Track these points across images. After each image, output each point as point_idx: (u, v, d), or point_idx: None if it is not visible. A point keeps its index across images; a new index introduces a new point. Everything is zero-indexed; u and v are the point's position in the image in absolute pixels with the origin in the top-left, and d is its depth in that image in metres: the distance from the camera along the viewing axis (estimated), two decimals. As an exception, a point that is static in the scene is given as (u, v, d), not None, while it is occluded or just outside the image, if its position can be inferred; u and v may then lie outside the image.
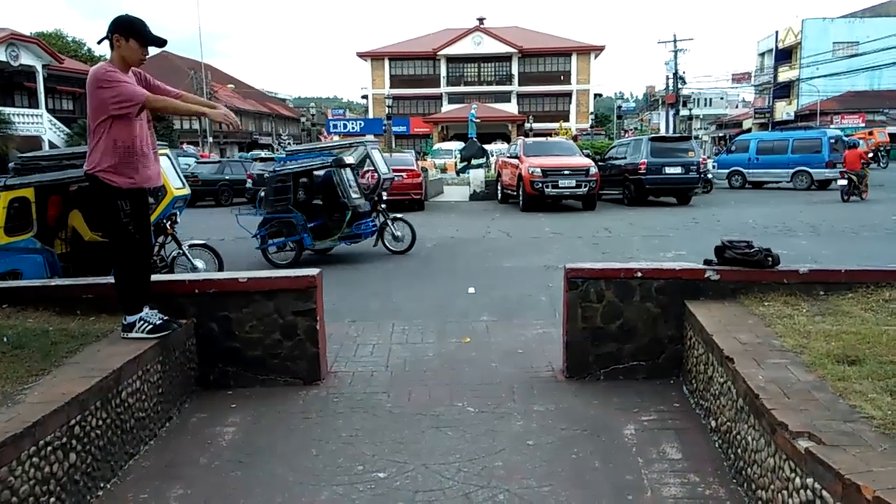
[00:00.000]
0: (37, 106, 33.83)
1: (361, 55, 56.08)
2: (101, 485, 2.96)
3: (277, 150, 45.21)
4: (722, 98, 75.81)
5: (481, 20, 55.62)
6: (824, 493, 2.07)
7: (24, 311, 3.98)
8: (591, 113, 54.31)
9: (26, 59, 32.37)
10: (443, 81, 55.06)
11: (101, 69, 3.51)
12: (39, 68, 33.30)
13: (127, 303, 3.67)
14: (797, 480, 2.25)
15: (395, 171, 17.85)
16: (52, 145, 30.99)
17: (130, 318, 3.63)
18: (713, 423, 3.38)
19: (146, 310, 3.69)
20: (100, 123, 3.52)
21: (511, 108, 52.45)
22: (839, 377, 2.74)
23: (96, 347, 3.45)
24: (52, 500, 2.57)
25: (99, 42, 3.60)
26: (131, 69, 3.61)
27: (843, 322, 3.48)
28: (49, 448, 2.57)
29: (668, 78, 47.21)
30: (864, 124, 46.77)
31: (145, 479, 3.08)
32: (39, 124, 33.05)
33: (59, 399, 2.70)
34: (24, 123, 31.85)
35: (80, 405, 2.80)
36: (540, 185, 15.96)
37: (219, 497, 2.93)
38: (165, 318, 3.75)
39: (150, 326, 3.63)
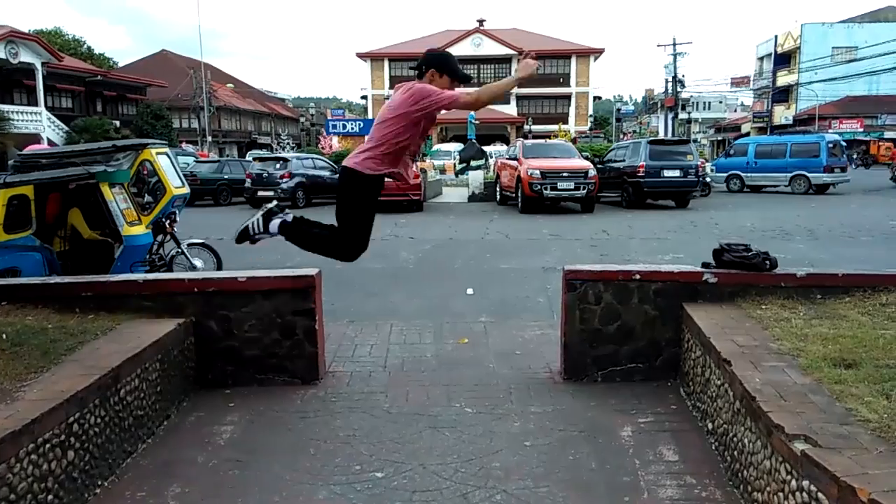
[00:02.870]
0: (36, 103, 33.80)
1: (361, 56, 56.05)
2: (99, 483, 2.96)
3: (276, 149, 45.19)
4: (721, 102, 75.90)
5: (481, 22, 55.61)
6: (820, 495, 2.08)
7: (23, 308, 3.98)
8: (590, 115, 54.35)
9: (25, 56, 32.34)
10: (442, 83, 54.98)
11: (422, 85, 3.51)
12: (39, 66, 33.28)
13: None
14: (793, 483, 2.26)
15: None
16: (50, 143, 30.97)
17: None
18: (710, 426, 3.40)
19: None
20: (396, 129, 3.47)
21: (510, 109, 52.38)
22: (836, 380, 2.76)
23: (95, 345, 3.46)
24: (50, 497, 2.58)
25: (413, 69, 3.67)
26: None
27: (839, 326, 3.50)
28: (47, 445, 2.57)
29: (667, 81, 47.35)
30: (861, 129, 46.93)
31: (143, 478, 3.08)
32: (38, 122, 33.02)
33: (57, 396, 2.71)
34: (23, 121, 31.84)
35: (79, 403, 2.80)
36: (538, 186, 15.97)
37: (216, 496, 2.94)
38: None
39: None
